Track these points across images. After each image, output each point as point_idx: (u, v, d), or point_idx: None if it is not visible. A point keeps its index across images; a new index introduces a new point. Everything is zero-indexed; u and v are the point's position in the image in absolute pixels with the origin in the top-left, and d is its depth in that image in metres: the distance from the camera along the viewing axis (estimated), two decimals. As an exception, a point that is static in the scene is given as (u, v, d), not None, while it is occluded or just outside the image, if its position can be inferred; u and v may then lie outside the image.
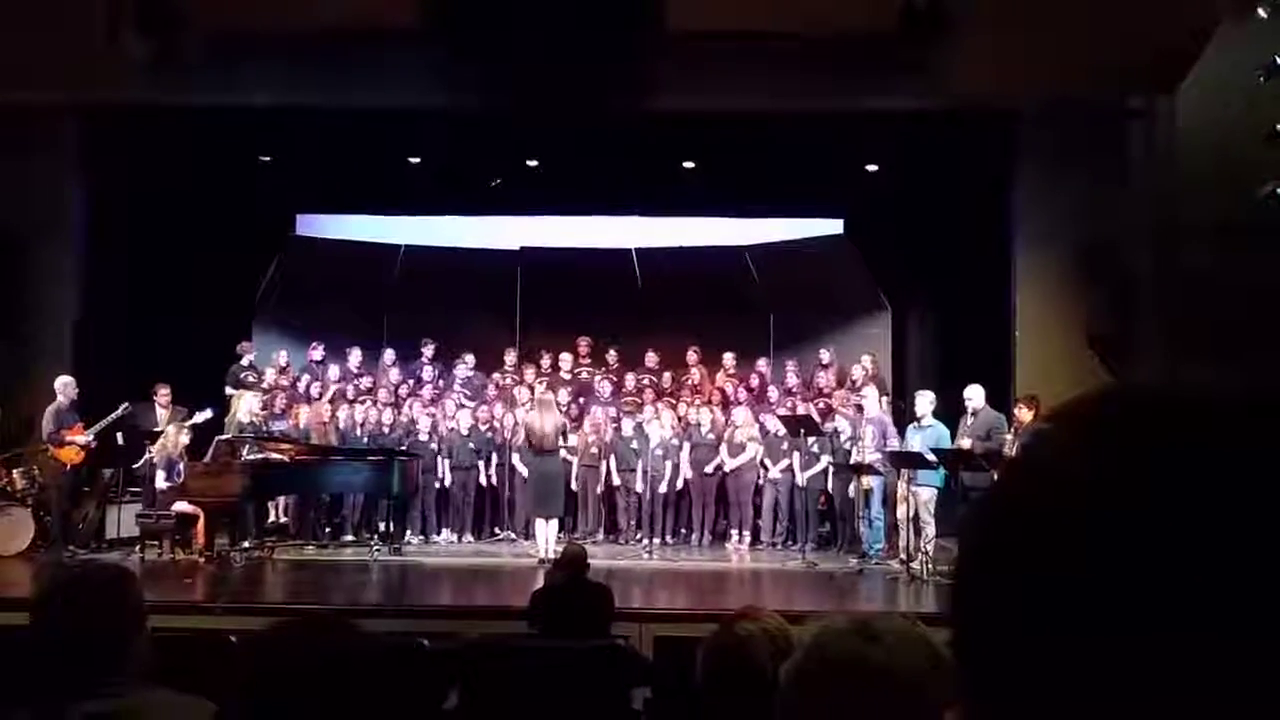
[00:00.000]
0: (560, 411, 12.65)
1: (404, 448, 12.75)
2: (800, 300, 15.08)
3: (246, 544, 11.78)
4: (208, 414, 12.42)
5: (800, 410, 12.98)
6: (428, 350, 14.58)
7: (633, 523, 13.12)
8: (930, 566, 10.52)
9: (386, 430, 13.21)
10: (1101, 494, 0.61)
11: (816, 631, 1.67)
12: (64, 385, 11.72)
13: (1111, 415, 0.65)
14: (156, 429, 12.19)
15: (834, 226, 15.52)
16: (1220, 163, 10.01)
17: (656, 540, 12.76)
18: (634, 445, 12.99)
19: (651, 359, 14.54)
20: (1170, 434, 0.62)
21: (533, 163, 14.08)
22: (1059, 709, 0.61)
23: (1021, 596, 0.63)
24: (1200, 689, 0.57)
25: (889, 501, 11.74)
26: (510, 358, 14.63)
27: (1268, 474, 0.59)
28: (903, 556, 11.02)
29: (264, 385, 13.39)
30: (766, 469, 12.82)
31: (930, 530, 10.80)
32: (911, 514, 10.96)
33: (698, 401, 13.62)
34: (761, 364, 14.45)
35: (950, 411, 11.24)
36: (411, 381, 14.31)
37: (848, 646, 1.60)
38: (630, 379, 14.26)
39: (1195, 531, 0.58)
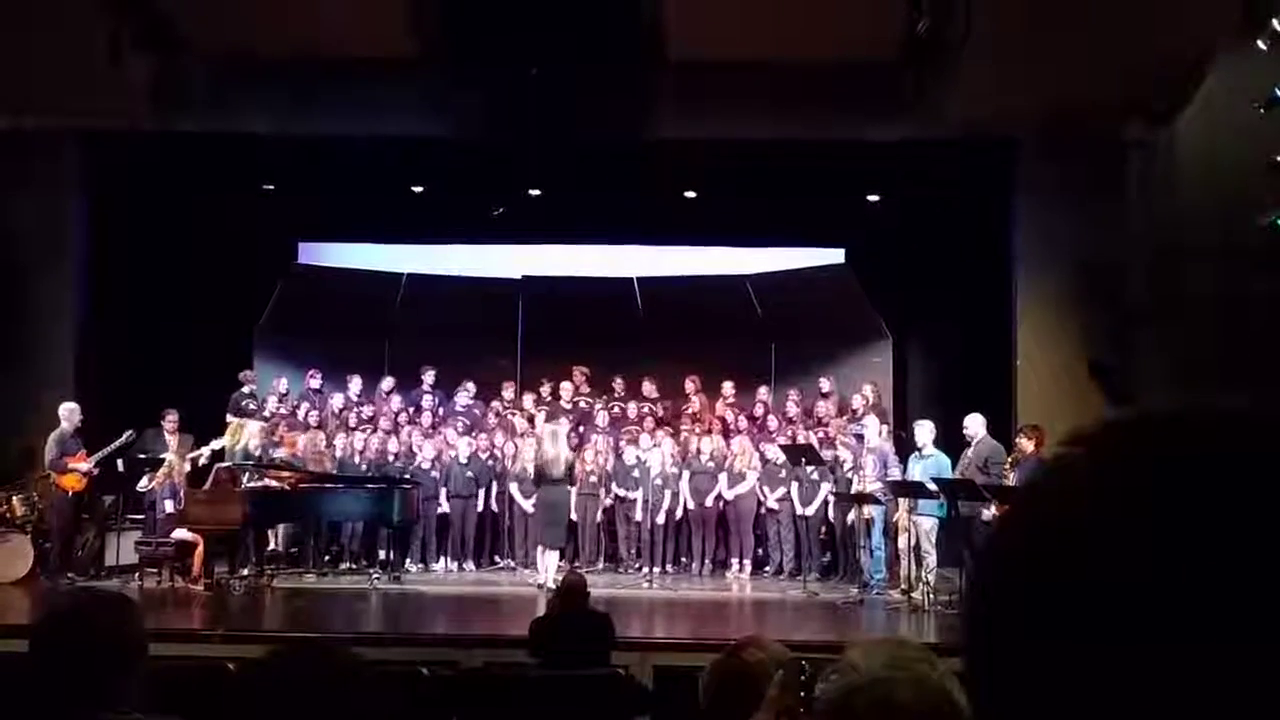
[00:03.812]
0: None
1: (405, 475, 12.75)
2: (801, 329, 15.06)
3: (245, 572, 11.76)
4: (215, 446, 12.43)
5: (801, 439, 12.97)
6: (428, 378, 14.57)
7: (633, 552, 13.09)
8: (931, 596, 10.49)
9: (391, 459, 13.19)
10: (1113, 512, 0.62)
11: (842, 683, 1.67)
12: (69, 412, 11.71)
13: (1124, 438, 0.67)
14: (163, 455, 12.17)
15: (835, 255, 15.54)
16: (1219, 191, 10.05)
17: (656, 569, 12.73)
18: (634, 474, 12.97)
19: (649, 388, 14.50)
20: (1178, 454, 0.63)
21: (535, 192, 14.11)
22: None
23: (1038, 613, 0.63)
24: (1207, 696, 0.58)
25: (890, 531, 11.71)
26: (509, 392, 14.60)
27: (1269, 492, 0.60)
28: (904, 586, 11.00)
29: (265, 414, 13.38)
30: (764, 498, 12.80)
31: (931, 560, 10.77)
32: (913, 544, 10.94)
33: (698, 430, 13.61)
34: (763, 393, 14.43)
35: (952, 440, 11.23)
36: (411, 409, 14.29)
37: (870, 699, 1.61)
38: (632, 408, 14.24)
39: (1202, 546, 0.59)
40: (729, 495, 12.89)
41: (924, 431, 11.31)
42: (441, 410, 14.33)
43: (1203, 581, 0.59)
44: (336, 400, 14.22)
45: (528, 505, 12.81)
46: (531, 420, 13.75)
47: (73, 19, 10.14)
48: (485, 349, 15.20)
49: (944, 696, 1.60)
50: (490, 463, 13.37)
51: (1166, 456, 0.63)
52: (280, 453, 12.77)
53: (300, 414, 13.82)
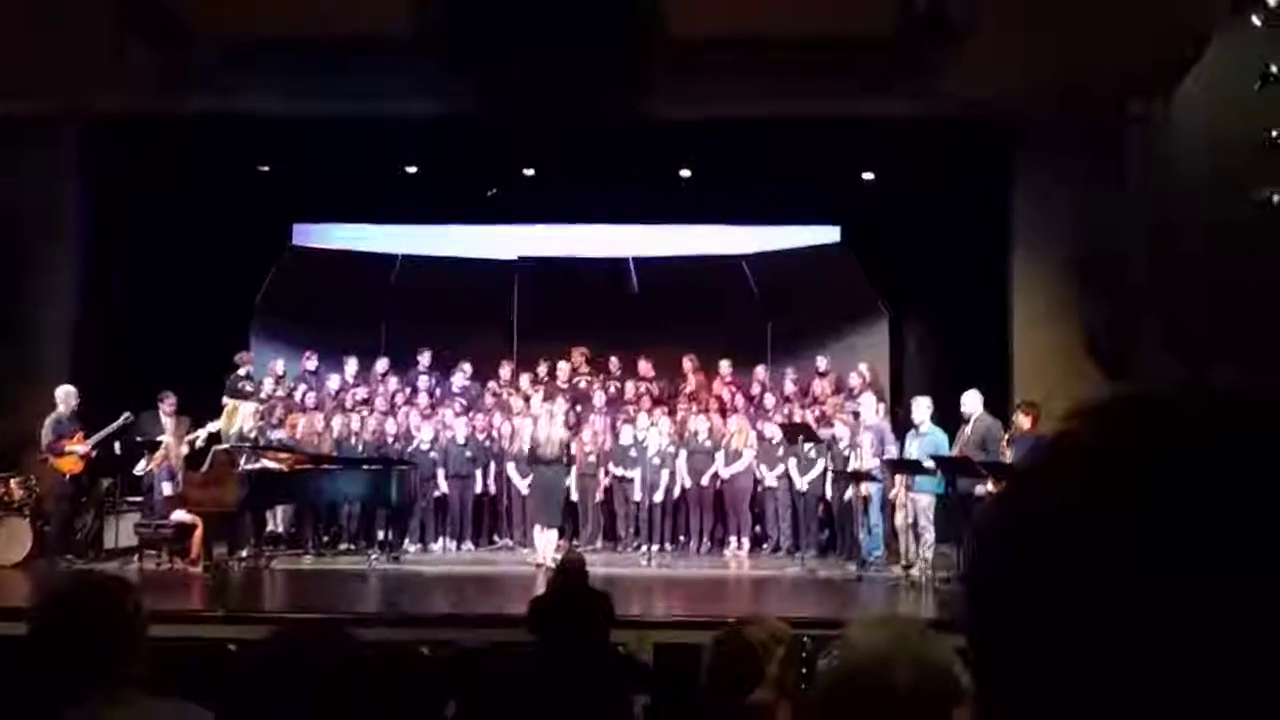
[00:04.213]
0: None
1: (404, 457, 12.76)
2: (798, 308, 15.07)
3: (244, 553, 11.77)
4: (212, 428, 12.44)
5: (797, 418, 12.99)
6: (424, 359, 14.56)
7: (631, 530, 13.12)
8: (929, 573, 10.51)
9: (390, 440, 13.19)
10: (1105, 493, 0.63)
11: (842, 660, 1.68)
12: (65, 395, 11.71)
13: (1119, 417, 0.67)
14: (161, 438, 12.18)
15: (832, 234, 15.52)
16: (1216, 168, 10.04)
17: (655, 548, 12.75)
18: (631, 453, 12.98)
19: (645, 368, 14.50)
20: (1172, 435, 0.64)
21: (530, 171, 14.06)
22: (1072, 702, 0.62)
23: (1034, 592, 0.64)
24: (1202, 672, 0.58)
25: (887, 508, 11.73)
26: (506, 370, 14.61)
27: (1266, 468, 0.60)
28: (903, 563, 11.03)
29: (261, 395, 13.38)
30: (762, 476, 12.83)
31: (929, 537, 10.79)
32: (911, 521, 10.96)
33: (695, 409, 13.61)
34: (760, 371, 14.43)
35: (949, 418, 11.23)
36: (408, 390, 14.29)
37: (871, 676, 1.62)
38: (629, 387, 14.24)
39: (1192, 526, 0.60)
40: (725, 474, 12.91)
41: (921, 408, 11.32)
42: (439, 391, 14.33)
43: (1193, 559, 0.59)
44: (333, 382, 14.22)
45: (524, 485, 12.83)
46: (528, 400, 13.76)
47: (71, 3, 10.09)
48: (481, 330, 15.19)
49: (943, 673, 1.60)
50: (487, 443, 13.38)
51: (1160, 438, 0.64)
52: (279, 434, 12.79)
53: (297, 396, 13.82)
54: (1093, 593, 0.61)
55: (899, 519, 11.32)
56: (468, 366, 14.47)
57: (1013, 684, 0.65)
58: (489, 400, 14.13)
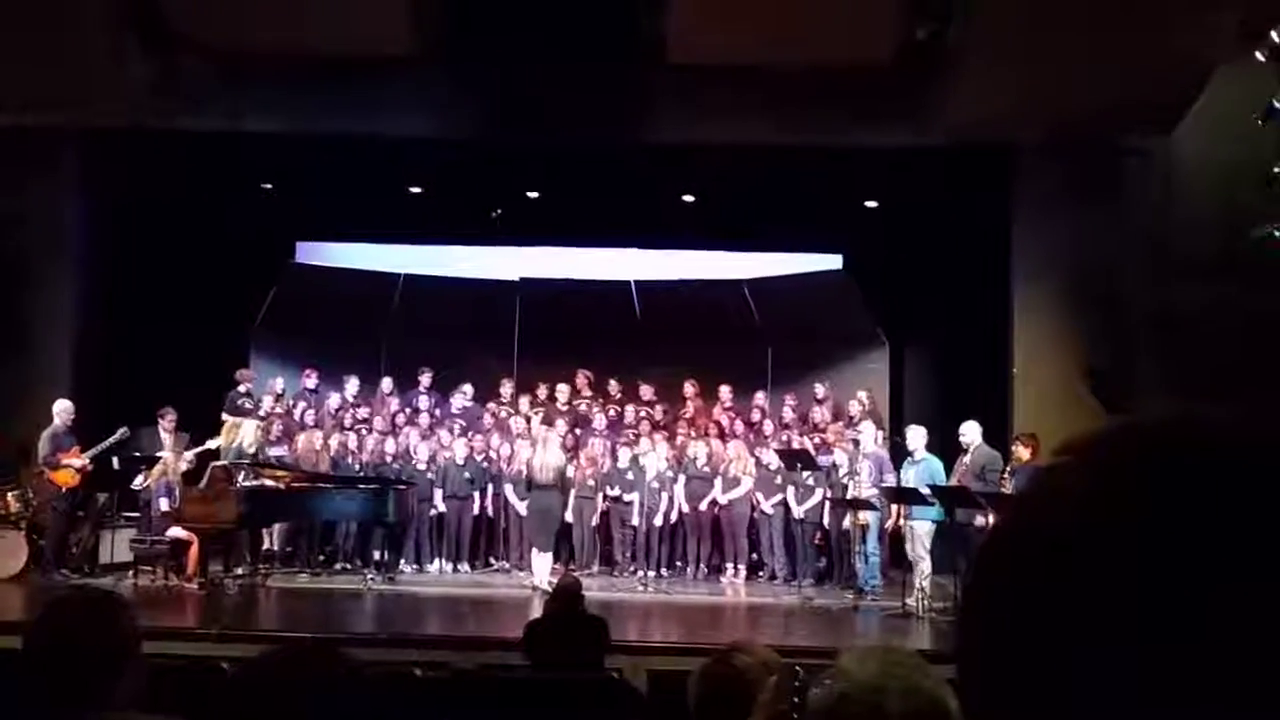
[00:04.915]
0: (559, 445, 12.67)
1: (402, 476, 12.75)
2: (798, 334, 15.07)
3: (240, 571, 11.75)
4: (209, 446, 12.43)
5: (796, 444, 12.97)
6: (424, 379, 14.55)
7: (628, 555, 13.08)
8: (926, 603, 10.47)
9: (389, 460, 13.17)
10: (1099, 519, 0.63)
11: (833, 690, 1.68)
12: (62, 409, 11.71)
13: (1113, 446, 0.67)
14: (159, 453, 12.17)
15: (833, 261, 15.54)
16: (1217, 202, 10.06)
17: (651, 573, 12.72)
18: (629, 476, 12.96)
19: (646, 391, 14.50)
20: (1164, 462, 0.64)
21: (533, 194, 14.10)
22: (1067, 717, 0.63)
23: (1026, 618, 0.64)
24: (1192, 697, 0.59)
25: (887, 538, 11.69)
26: (506, 389, 14.61)
27: (1265, 501, 0.61)
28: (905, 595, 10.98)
29: (261, 413, 13.36)
30: (759, 503, 12.80)
31: (925, 566, 10.75)
32: (910, 550, 10.93)
33: (693, 434, 13.60)
34: (760, 397, 14.42)
35: (948, 447, 11.24)
36: (408, 410, 14.27)
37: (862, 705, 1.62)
38: (630, 411, 14.22)
39: (1186, 552, 0.60)
40: (723, 500, 12.89)
41: (916, 436, 11.32)
42: (439, 412, 14.32)
43: (1186, 586, 0.60)
44: (333, 400, 14.21)
45: (522, 508, 12.81)
46: (529, 422, 13.75)
47: (73, 17, 10.12)
48: (482, 351, 15.18)
49: (935, 705, 1.60)
50: (485, 465, 13.36)
51: (1153, 465, 0.64)
52: (280, 450, 12.78)
53: (296, 414, 13.80)
54: (1089, 608, 0.61)
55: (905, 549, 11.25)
56: (468, 388, 14.46)
57: (1007, 701, 0.66)
58: (488, 421, 14.11)
